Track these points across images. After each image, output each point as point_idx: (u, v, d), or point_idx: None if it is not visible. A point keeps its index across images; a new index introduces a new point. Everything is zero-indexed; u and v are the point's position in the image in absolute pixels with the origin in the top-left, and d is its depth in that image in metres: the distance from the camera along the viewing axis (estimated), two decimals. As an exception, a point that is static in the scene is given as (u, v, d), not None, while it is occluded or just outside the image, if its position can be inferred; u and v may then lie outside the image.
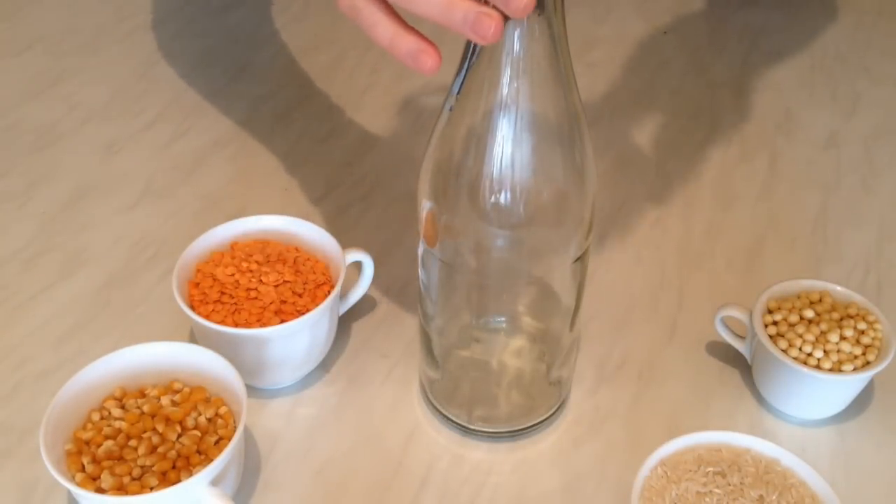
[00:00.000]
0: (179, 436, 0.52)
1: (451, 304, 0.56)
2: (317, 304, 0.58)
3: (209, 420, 0.53)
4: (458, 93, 0.47)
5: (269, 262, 0.61)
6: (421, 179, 0.50)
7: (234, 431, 0.52)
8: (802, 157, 0.82)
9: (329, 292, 0.59)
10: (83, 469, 0.50)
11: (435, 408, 0.59)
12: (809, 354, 0.57)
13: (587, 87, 0.89)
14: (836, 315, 0.59)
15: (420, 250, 0.54)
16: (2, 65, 0.92)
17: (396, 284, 0.68)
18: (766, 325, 0.59)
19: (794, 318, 0.59)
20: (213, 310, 0.58)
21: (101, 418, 0.53)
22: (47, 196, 0.76)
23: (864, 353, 0.57)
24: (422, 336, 0.58)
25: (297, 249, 0.63)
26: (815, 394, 0.58)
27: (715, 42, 0.97)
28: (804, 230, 0.74)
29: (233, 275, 0.59)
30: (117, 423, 0.53)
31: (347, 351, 0.64)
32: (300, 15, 1.00)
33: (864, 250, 0.72)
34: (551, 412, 0.59)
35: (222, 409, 0.54)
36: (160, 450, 0.51)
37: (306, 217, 0.64)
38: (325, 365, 0.62)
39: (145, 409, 0.53)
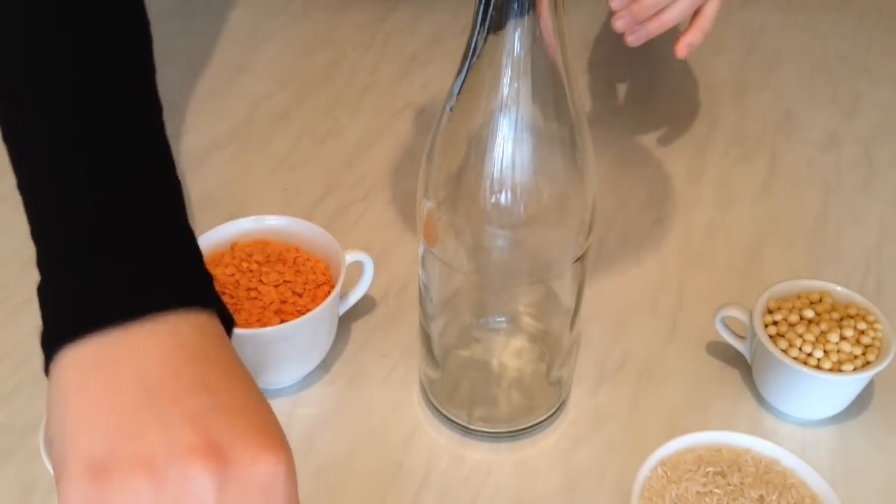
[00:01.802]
0: (179, 436, 0.52)
1: (451, 304, 0.56)
2: (317, 304, 0.58)
3: (209, 420, 0.53)
4: (459, 93, 0.47)
5: (269, 262, 0.61)
6: (421, 179, 0.50)
7: (234, 431, 0.52)
8: (802, 157, 0.82)
9: (329, 292, 0.59)
10: (83, 469, 0.50)
11: (435, 408, 0.59)
12: (809, 354, 0.57)
13: (587, 87, 0.89)
14: (836, 315, 0.59)
15: (420, 250, 0.54)
16: (2, 65, 0.92)
17: (396, 284, 0.68)
18: (766, 325, 0.59)
19: (794, 318, 0.59)
20: (213, 310, 0.58)
21: (101, 418, 0.53)
22: (47, 196, 0.75)
23: (864, 353, 0.57)
24: (422, 336, 0.58)
25: (297, 249, 0.63)
26: (815, 394, 0.58)
27: (715, 42, 0.97)
28: (804, 230, 0.74)
29: (233, 275, 0.59)
30: (117, 423, 0.53)
31: (347, 351, 0.64)
32: (300, 15, 1.00)
33: (864, 250, 0.72)
34: (551, 412, 0.59)
35: (222, 409, 0.53)
36: (160, 450, 0.51)
37: (306, 217, 0.63)
38: (325, 365, 0.62)
39: (145, 409, 0.53)
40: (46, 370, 0.39)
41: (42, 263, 0.41)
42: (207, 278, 0.42)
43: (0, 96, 0.45)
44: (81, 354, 0.37)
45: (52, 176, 0.42)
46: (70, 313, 0.39)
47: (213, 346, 0.39)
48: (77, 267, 0.40)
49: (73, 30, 0.45)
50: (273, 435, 0.37)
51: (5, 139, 0.44)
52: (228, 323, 0.42)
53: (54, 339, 0.38)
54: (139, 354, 0.37)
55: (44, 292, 0.40)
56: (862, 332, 0.58)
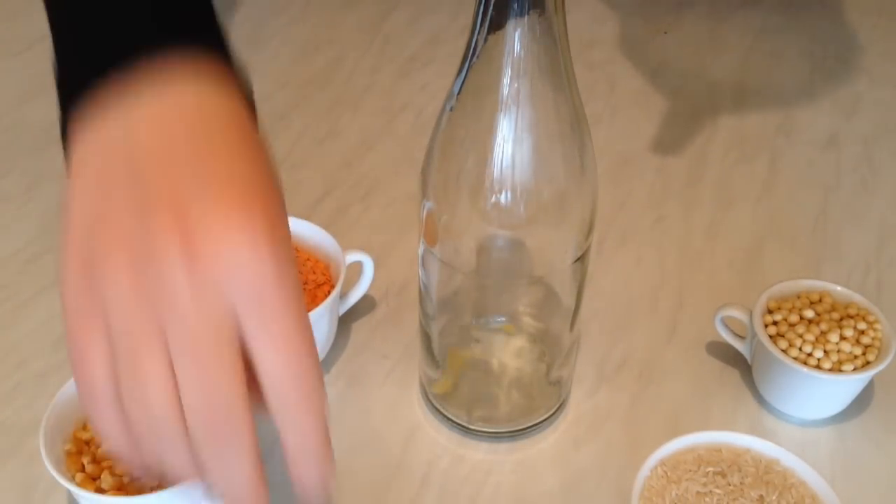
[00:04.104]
0: (179, 436, 0.52)
1: (451, 304, 0.56)
2: (317, 304, 0.58)
3: (209, 420, 0.53)
4: (459, 93, 0.47)
5: (269, 262, 0.61)
6: (421, 179, 0.51)
7: (234, 431, 0.52)
8: (802, 157, 0.82)
9: (329, 292, 0.59)
10: (83, 469, 0.50)
11: (435, 408, 0.59)
12: (809, 354, 0.57)
13: (587, 87, 0.89)
14: (836, 315, 0.59)
15: (420, 250, 0.54)
16: (2, 65, 0.92)
17: (396, 284, 0.68)
18: (766, 325, 0.59)
19: (794, 318, 0.59)
20: (213, 310, 0.58)
21: (101, 418, 0.53)
22: (47, 196, 0.75)
23: (864, 353, 0.57)
24: (422, 336, 0.58)
25: (297, 249, 0.63)
26: (815, 394, 0.58)
27: (715, 42, 0.97)
28: (804, 230, 0.74)
29: (233, 275, 0.59)
30: (117, 423, 0.53)
31: (347, 351, 0.64)
32: (300, 15, 1.00)
33: (864, 250, 0.72)
34: (551, 412, 0.59)
35: (222, 409, 0.53)
36: (160, 450, 0.51)
37: (306, 217, 0.63)
38: (325, 365, 0.62)
39: (145, 409, 0.53)
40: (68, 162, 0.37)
41: (56, 45, 0.38)
42: (216, 26, 0.38)
43: None
44: (85, 132, 0.35)
45: None
46: (73, 76, 0.37)
47: (216, 117, 0.35)
48: (81, 26, 0.37)
49: None
50: (253, 205, 0.34)
51: None
52: (247, 88, 0.38)
53: (64, 117, 0.36)
54: (135, 131, 0.35)
55: (56, 71, 0.38)
56: (862, 332, 0.58)
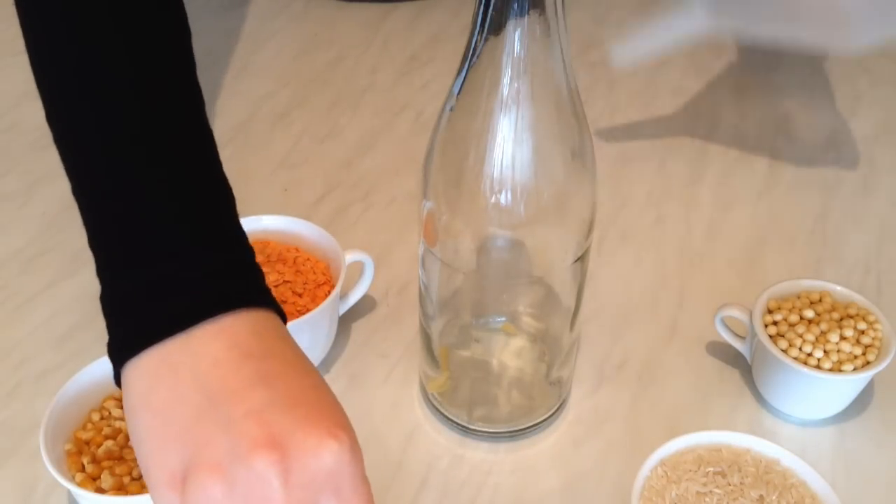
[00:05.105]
0: (179, 436, 0.52)
1: (451, 304, 0.56)
2: (317, 304, 0.58)
3: (209, 420, 0.53)
4: (459, 93, 0.47)
5: (269, 262, 0.61)
6: (421, 179, 0.51)
7: (234, 431, 0.52)
8: (802, 157, 0.82)
9: (329, 292, 0.59)
10: (83, 469, 0.50)
11: (435, 408, 0.59)
12: (809, 354, 0.57)
13: (587, 87, 0.89)
14: (836, 315, 0.59)
15: (420, 250, 0.54)
16: (2, 65, 0.92)
17: (396, 284, 0.68)
18: (766, 325, 0.59)
19: (794, 318, 0.59)
20: (213, 310, 0.58)
21: (101, 418, 0.53)
22: (47, 196, 0.76)
23: (864, 353, 0.57)
24: (422, 336, 0.58)
25: (297, 249, 0.63)
26: (815, 394, 0.58)
27: (715, 42, 0.97)
28: (804, 230, 0.74)
29: (233, 275, 0.59)
30: (117, 423, 0.53)
31: (347, 351, 0.64)
32: (300, 15, 1.00)
33: (864, 250, 0.72)
34: (551, 412, 0.59)
35: (222, 409, 0.53)
36: (160, 450, 0.51)
37: (306, 217, 0.63)
38: (325, 365, 0.62)
39: (145, 409, 0.53)
40: (117, 381, 0.39)
41: (100, 272, 0.41)
42: (258, 276, 0.42)
43: (50, 98, 0.44)
44: (144, 367, 0.38)
45: (103, 183, 0.42)
46: (127, 328, 0.39)
47: (268, 340, 0.39)
48: (131, 276, 0.39)
49: (124, 28, 0.44)
50: (334, 420, 0.38)
51: (58, 143, 0.43)
52: (281, 314, 0.42)
53: (118, 355, 0.39)
54: (196, 359, 0.37)
55: (104, 303, 0.40)
56: (862, 332, 0.58)
